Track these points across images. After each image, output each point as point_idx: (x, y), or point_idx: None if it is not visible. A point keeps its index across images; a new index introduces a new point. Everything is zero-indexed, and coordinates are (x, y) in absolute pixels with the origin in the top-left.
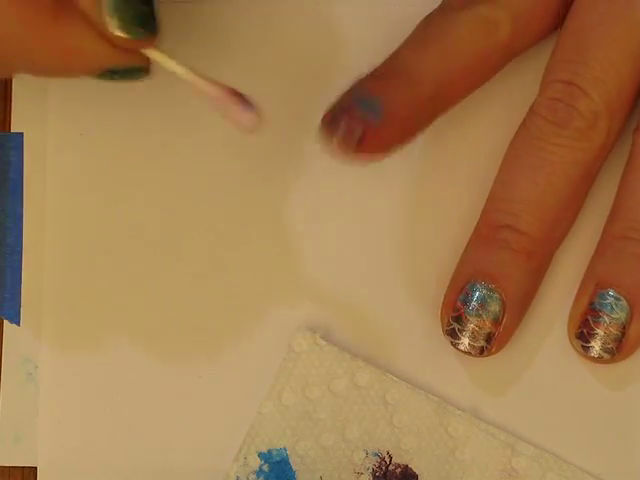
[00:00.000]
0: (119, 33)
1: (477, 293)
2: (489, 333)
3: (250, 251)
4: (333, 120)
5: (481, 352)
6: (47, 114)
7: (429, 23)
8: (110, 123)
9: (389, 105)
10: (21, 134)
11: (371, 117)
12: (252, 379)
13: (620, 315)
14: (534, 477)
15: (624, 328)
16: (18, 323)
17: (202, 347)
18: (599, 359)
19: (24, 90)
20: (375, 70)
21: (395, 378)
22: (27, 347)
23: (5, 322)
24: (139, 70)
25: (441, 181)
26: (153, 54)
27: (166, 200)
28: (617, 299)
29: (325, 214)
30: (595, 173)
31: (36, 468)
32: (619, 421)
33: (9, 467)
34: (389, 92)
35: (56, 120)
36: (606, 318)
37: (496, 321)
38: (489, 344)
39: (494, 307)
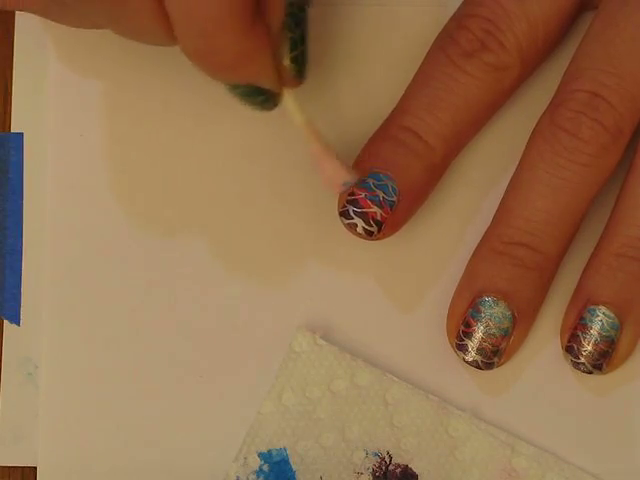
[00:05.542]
0: (290, 64)
1: (489, 310)
2: (499, 348)
3: (250, 251)
4: (349, 215)
5: (490, 366)
6: (47, 114)
7: (434, 72)
8: (110, 123)
9: (405, 184)
10: (21, 134)
11: (387, 204)
12: (252, 379)
13: (610, 333)
14: (534, 477)
15: (613, 344)
16: (18, 323)
17: (202, 347)
18: (589, 374)
19: (24, 90)
20: (383, 137)
21: (395, 378)
22: (27, 347)
23: (5, 322)
24: (272, 101)
25: (445, 183)
26: (288, 94)
27: (166, 199)
28: (608, 317)
29: (326, 213)
30: None
31: (36, 468)
32: (619, 421)
33: (9, 467)
34: (403, 171)
35: (56, 120)
36: (597, 335)
37: (506, 336)
38: (498, 358)
39: (506, 324)
